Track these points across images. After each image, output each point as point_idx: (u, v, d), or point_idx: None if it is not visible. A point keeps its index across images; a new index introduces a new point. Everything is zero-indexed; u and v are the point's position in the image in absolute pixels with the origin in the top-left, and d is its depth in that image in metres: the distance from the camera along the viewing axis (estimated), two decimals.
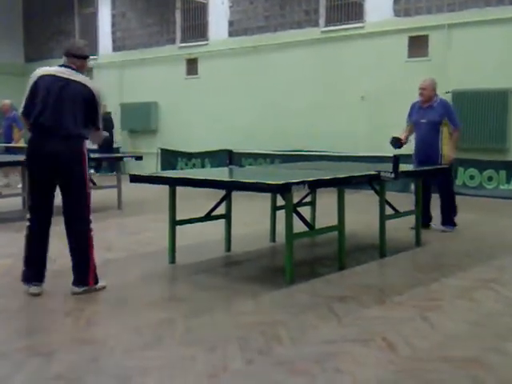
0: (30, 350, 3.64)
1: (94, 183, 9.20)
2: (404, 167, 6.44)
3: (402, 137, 7.47)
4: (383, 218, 6.23)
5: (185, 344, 3.76)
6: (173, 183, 5.78)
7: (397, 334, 3.91)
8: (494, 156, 11.11)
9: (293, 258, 5.16)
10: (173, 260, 5.90)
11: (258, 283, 5.20)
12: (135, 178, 5.88)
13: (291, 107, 13.56)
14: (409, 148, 7.80)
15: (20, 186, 12.66)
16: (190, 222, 6.22)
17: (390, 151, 7.08)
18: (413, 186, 7.60)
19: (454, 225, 7.55)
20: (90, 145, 5.02)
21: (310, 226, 5.93)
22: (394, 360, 3.50)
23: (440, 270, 5.61)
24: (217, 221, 6.45)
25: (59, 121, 4.69)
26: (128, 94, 16.68)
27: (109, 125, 15.34)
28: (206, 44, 15.32)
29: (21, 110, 4.91)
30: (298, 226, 5.43)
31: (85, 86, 4.82)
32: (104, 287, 4.95)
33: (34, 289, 4.79)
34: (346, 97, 12.83)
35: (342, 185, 5.62)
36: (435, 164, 7.26)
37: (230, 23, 14.76)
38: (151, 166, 14.56)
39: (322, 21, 13.28)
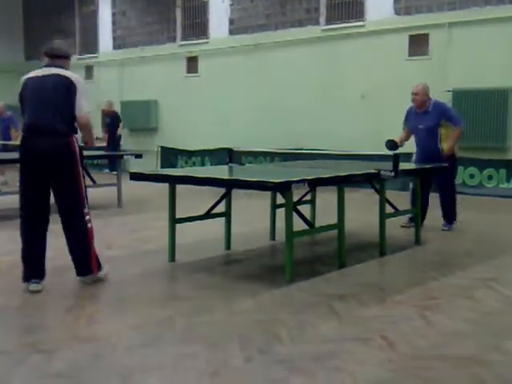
0: (30, 348, 3.64)
1: (94, 181, 9.21)
2: (404, 165, 6.44)
3: (397, 140, 7.41)
4: (383, 216, 6.24)
5: (185, 342, 3.76)
6: (173, 181, 5.78)
7: (396, 332, 3.92)
8: (493, 155, 11.11)
9: (293, 256, 5.17)
10: (173, 258, 5.91)
11: (257, 281, 5.21)
12: (135, 176, 5.88)
13: (291, 105, 13.56)
14: (408, 147, 7.80)
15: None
16: (190, 220, 6.22)
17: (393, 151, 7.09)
18: (411, 185, 7.59)
19: (454, 223, 7.56)
20: (80, 142, 4.98)
21: (310, 224, 5.94)
22: (394, 358, 3.51)
23: (439, 269, 5.62)
24: (217, 219, 6.46)
25: (45, 119, 4.72)
26: (128, 91, 16.68)
27: (114, 123, 15.30)
28: (207, 42, 15.32)
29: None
30: (298, 225, 5.44)
31: (64, 76, 4.84)
32: (107, 274, 5.09)
33: (33, 286, 4.80)
34: (346, 95, 12.84)
35: (341, 183, 5.62)
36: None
37: (231, 21, 14.76)
38: (151, 164, 14.56)
39: (322, 19, 13.28)
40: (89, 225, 4.89)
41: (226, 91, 14.75)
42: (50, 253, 5.04)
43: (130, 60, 16.79)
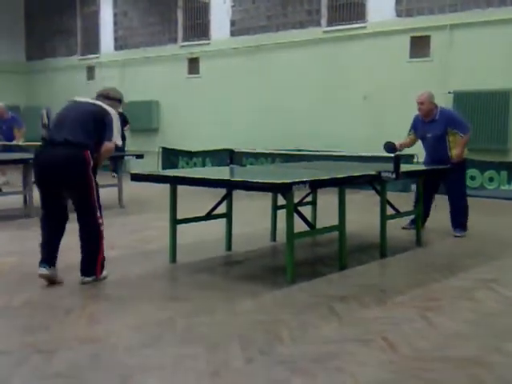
0: (31, 348, 3.64)
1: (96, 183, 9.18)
2: (405, 167, 6.44)
3: (397, 144, 7.31)
4: (384, 217, 6.23)
5: (186, 343, 3.76)
6: (174, 182, 5.78)
7: (397, 333, 3.92)
8: (495, 157, 11.10)
9: (294, 257, 5.17)
10: (174, 259, 5.91)
11: (258, 282, 5.21)
12: (136, 177, 5.88)
13: (293, 107, 13.56)
14: (409, 149, 7.78)
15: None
16: (191, 221, 6.22)
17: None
18: (413, 187, 7.54)
19: (465, 229, 7.37)
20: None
21: (311, 225, 5.94)
22: (395, 360, 3.50)
23: (441, 271, 5.61)
24: (218, 220, 6.46)
25: (61, 134, 4.89)
26: (129, 92, 16.55)
27: (122, 125, 15.13)
28: (208, 43, 15.32)
29: None
30: (299, 226, 5.44)
31: (99, 105, 5.09)
32: (105, 277, 5.18)
33: (41, 270, 4.93)
34: (348, 97, 12.83)
35: (343, 185, 5.62)
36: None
37: (232, 23, 14.76)
38: (152, 164, 14.55)
39: (323, 21, 13.28)
40: (101, 228, 5.05)
41: (227, 92, 14.76)
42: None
43: (131, 61, 16.79)
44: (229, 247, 6.48)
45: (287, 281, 5.12)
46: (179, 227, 5.98)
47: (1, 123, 12.79)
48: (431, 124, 7.31)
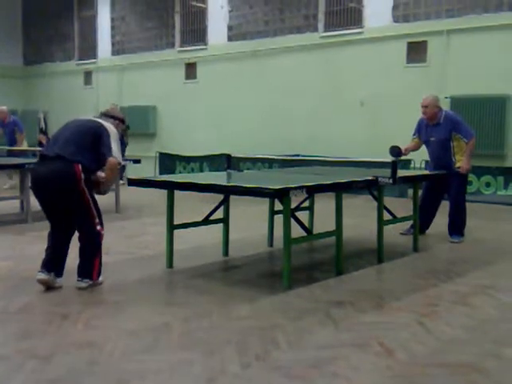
0: (27, 353, 3.63)
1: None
2: (402, 172, 6.45)
3: (403, 148, 7.29)
4: (381, 223, 6.24)
5: (182, 348, 3.76)
6: (171, 187, 5.78)
7: (394, 339, 3.92)
8: (491, 162, 11.12)
9: (290, 262, 5.17)
10: (170, 264, 5.90)
11: (255, 288, 5.21)
12: (133, 182, 5.88)
13: (290, 112, 13.58)
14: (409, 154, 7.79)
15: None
16: (188, 226, 6.22)
17: (389, 157, 7.09)
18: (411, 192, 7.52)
19: (462, 235, 7.37)
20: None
21: (308, 230, 5.94)
22: (391, 365, 3.51)
23: (437, 276, 5.62)
24: (215, 225, 6.46)
25: (54, 148, 4.96)
26: (127, 97, 16.68)
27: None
28: (205, 48, 15.34)
29: None
30: (296, 231, 5.44)
31: (97, 122, 5.13)
32: (101, 283, 5.19)
33: (39, 275, 4.95)
34: (345, 102, 12.85)
35: (340, 190, 5.63)
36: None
37: (230, 28, 14.79)
38: (149, 169, 14.55)
39: (321, 26, 13.31)
40: (101, 235, 5.08)
41: (224, 97, 14.77)
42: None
43: (128, 66, 16.81)
44: (226, 252, 6.48)
45: (284, 286, 5.12)
46: (176, 232, 5.97)
47: (3, 127, 12.82)
48: (435, 127, 7.28)
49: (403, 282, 5.49)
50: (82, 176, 4.87)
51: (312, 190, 5.58)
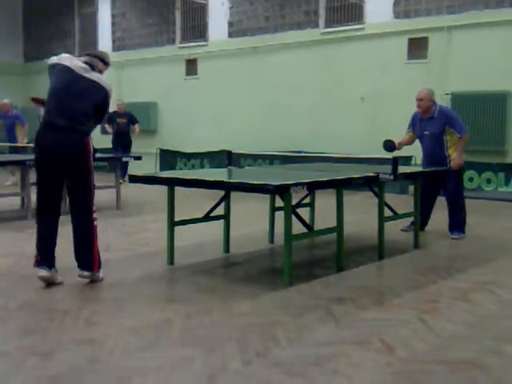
0: (28, 350, 3.63)
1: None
2: (403, 169, 6.44)
3: (396, 142, 7.31)
4: (382, 219, 6.24)
5: (183, 345, 3.76)
6: (172, 184, 5.78)
7: (395, 336, 3.92)
8: (492, 158, 11.12)
9: (291, 259, 5.17)
10: (171, 261, 5.90)
11: (256, 284, 5.21)
12: (134, 179, 5.88)
13: (290, 108, 13.58)
14: (408, 150, 7.79)
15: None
16: (189, 223, 6.22)
17: (389, 152, 7.09)
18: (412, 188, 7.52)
19: (463, 231, 7.37)
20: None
21: (309, 227, 5.94)
22: (392, 362, 3.50)
23: (438, 272, 5.62)
24: (215, 222, 6.45)
25: (62, 116, 4.84)
26: (127, 93, 16.65)
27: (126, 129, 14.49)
28: (206, 45, 15.33)
29: None
30: (297, 228, 5.44)
31: (98, 84, 5.03)
32: (102, 279, 5.17)
33: (40, 272, 4.91)
34: (346, 98, 12.85)
35: (340, 186, 5.62)
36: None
37: (230, 24, 14.77)
38: (150, 166, 14.55)
39: (321, 22, 13.30)
40: (95, 223, 5.02)
41: (225, 94, 14.76)
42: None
43: (129, 62, 16.80)
44: (227, 249, 6.48)
45: (285, 283, 5.12)
46: (177, 229, 5.97)
47: (4, 119, 12.81)
48: (429, 121, 7.30)
49: (404, 279, 5.48)
50: (92, 149, 4.88)
51: (313, 187, 5.58)
